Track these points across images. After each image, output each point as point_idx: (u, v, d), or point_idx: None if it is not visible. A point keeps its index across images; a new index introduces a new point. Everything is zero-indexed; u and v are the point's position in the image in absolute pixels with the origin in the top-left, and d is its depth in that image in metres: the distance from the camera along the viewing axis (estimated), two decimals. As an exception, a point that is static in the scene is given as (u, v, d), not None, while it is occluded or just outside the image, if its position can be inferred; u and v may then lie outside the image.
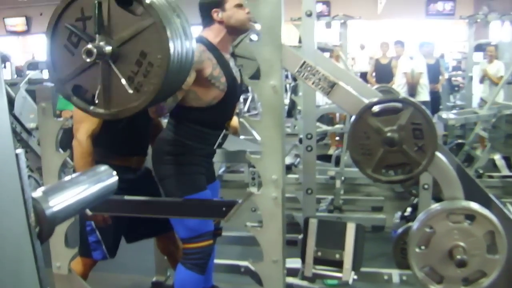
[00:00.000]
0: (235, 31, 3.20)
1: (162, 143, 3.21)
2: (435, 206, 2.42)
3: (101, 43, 2.06)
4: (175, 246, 3.89)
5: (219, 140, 3.27)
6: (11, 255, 0.76)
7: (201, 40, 3.08)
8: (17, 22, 23.47)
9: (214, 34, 3.17)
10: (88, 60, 2.05)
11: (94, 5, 2.07)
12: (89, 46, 2.04)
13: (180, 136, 3.15)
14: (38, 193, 0.89)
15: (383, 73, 10.73)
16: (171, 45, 2.04)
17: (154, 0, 2.06)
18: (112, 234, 3.45)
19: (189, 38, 2.23)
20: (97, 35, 2.07)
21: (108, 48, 2.06)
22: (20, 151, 0.79)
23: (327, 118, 8.92)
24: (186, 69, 2.30)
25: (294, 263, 3.66)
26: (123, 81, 2.07)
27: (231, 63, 3.28)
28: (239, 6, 3.13)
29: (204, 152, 3.24)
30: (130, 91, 2.08)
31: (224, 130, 3.27)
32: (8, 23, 23.39)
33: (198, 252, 3.16)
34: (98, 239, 3.40)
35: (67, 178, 1.00)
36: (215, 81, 3.06)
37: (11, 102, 6.06)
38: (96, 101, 2.16)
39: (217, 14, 3.15)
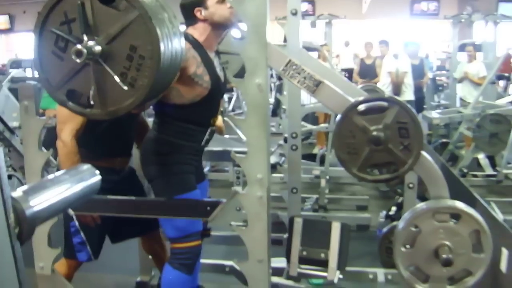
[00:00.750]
0: (220, 26, 3.18)
1: (149, 143, 3.18)
2: (421, 205, 2.42)
3: (90, 43, 2.03)
4: (160, 246, 3.87)
5: (206, 136, 3.24)
6: (-11, 257, 0.74)
7: (186, 37, 3.06)
8: (0, 20, 23.28)
9: (199, 32, 3.15)
10: (78, 60, 2.02)
11: (77, 6, 2.05)
12: (78, 46, 2.01)
13: (166, 134, 3.12)
14: (18, 192, 0.86)
15: (368, 72, 10.77)
16: (159, 34, 2.02)
17: None
18: (97, 234, 3.43)
19: (176, 29, 2.21)
20: (84, 36, 2.04)
21: (98, 48, 2.03)
22: (-2, 148, 0.77)
23: (312, 117, 8.92)
24: (177, 61, 2.27)
25: (279, 262, 3.65)
26: (116, 78, 2.04)
27: (216, 61, 3.26)
28: (221, 1, 3.11)
29: (192, 149, 3.21)
30: (125, 88, 2.05)
31: (210, 127, 3.25)
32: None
33: (187, 252, 3.14)
34: (82, 240, 3.37)
35: (49, 177, 0.98)
36: (198, 80, 3.03)
37: (-7, 100, 6.00)
38: (92, 103, 2.13)
39: (200, 13, 3.13)
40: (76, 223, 3.32)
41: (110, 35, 2.04)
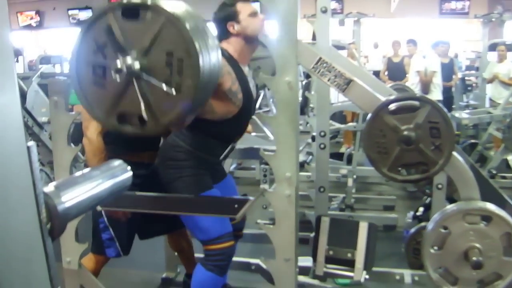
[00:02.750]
0: (253, 40, 3.18)
1: (168, 148, 3.17)
2: (451, 206, 2.39)
3: (128, 61, 2.01)
4: (186, 243, 3.87)
5: (226, 151, 3.24)
6: (21, 253, 0.74)
7: (222, 53, 3.06)
8: (30, 17, 23.51)
9: (233, 47, 3.16)
10: (119, 79, 2.00)
11: (105, 31, 2.04)
12: (117, 64, 1.99)
13: (188, 144, 3.10)
14: (50, 188, 0.85)
15: (395, 71, 10.68)
16: (190, 31, 2.00)
17: (158, 1, 2.03)
18: (126, 231, 3.43)
19: (209, 37, 2.18)
20: (119, 56, 2.02)
21: (136, 64, 2.01)
22: (31, 143, 0.76)
23: (340, 116, 8.88)
24: (216, 65, 2.25)
25: (305, 261, 3.64)
26: (163, 86, 2.02)
27: (249, 77, 3.26)
28: (253, 14, 3.11)
29: (209, 161, 3.20)
30: (174, 93, 2.03)
31: (232, 143, 3.25)
32: (21, 17, 23.44)
33: (220, 254, 3.11)
34: (111, 236, 3.37)
35: (80, 172, 0.97)
36: (232, 96, 3.02)
37: (23, 96, 6.07)
38: (145, 118, 2.10)
39: (232, 27, 3.14)
40: (105, 219, 3.33)
41: (144, 48, 2.02)
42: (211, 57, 2.11)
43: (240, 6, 3.16)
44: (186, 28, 1.99)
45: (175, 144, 3.14)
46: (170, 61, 2.02)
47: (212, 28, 3.09)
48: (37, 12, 23.29)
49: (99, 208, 3.12)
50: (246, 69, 3.23)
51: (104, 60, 2.07)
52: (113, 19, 2.03)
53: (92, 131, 3.09)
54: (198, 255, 4.00)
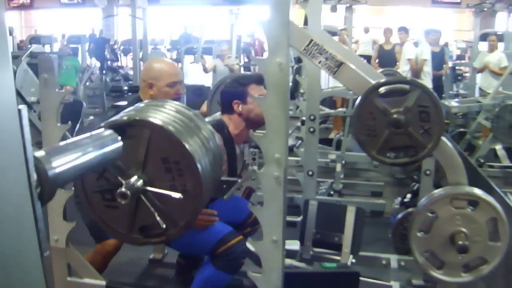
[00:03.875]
0: (254, 125, 3.19)
1: None
2: (439, 190, 2.41)
3: (132, 180, 1.99)
4: None
5: None
6: (10, 215, 0.73)
7: (222, 129, 3.06)
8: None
9: (234, 125, 3.19)
10: (123, 202, 1.99)
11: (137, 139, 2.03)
12: (122, 189, 1.97)
13: None
14: (41, 153, 0.85)
15: (386, 59, 10.69)
16: (175, 133, 1.98)
17: (140, 115, 2.02)
18: None
19: (208, 133, 2.17)
20: (120, 179, 2.01)
21: (139, 181, 1.99)
22: (22, 106, 0.76)
23: (330, 102, 8.88)
24: (218, 158, 2.24)
25: (292, 244, 3.66)
26: (171, 193, 2.01)
27: (239, 155, 3.29)
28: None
29: None
30: (178, 196, 2.02)
31: None
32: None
33: (230, 253, 3.08)
34: None
35: (71, 140, 0.97)
36: None
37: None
38: (164, 226, 2.10)
39: (237, 106, 3.16)
40: None
41: (141, 162, 2.01)
42: (208, 150, 2.11)
43: (251, 88, 3.18)
44: (170, 132, 1.97)
45: None
46: (168, 166, 2.01)
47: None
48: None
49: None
50: (238, 150, 3.26)
51: (108, 184, 2.06)
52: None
53: None
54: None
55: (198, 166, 1.98)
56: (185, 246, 3.21)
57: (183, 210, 2.06)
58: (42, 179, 0.82)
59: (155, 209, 2.01)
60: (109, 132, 1.08)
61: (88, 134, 1.04)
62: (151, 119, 1.97)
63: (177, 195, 1.97)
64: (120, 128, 2.00)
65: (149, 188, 1.98)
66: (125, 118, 1.97)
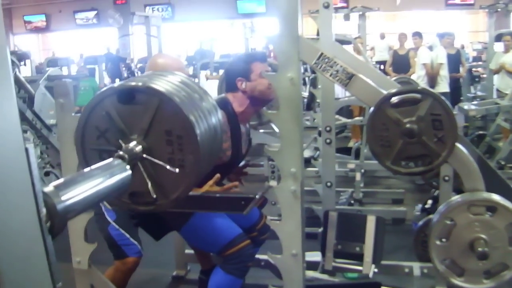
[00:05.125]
0: (258, 102, 3.21)
1: None
2: (456, 198, 2.40)
3: (131, 145, 2.03)
4: None
5: None
6: (21, 251, 0.76)
7: (226, 106, 3.08)
8: (36, 20, 23.60)
9: (238, 102, 3.20)
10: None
11: (105, 117, 2.06)
12: (120, 153, 2.01)
13: None
14: (49, 187, 0.88)
15: (401, 63, 10.69)
16: (184, 108, 2.01)
17: (151, 83, 2.05)
18: (135, 229, 3.47)
19: (207, 102, 2.20)
20: (121, 142, 2.04)
21: (138, 147, 2.03)
22: (29, 145, 0.79)
23: (347, 111, 8.88)
24: (218, 134, 2.27)
25: (314, 256, 3.66)
26: (169, 167, 2.04)
27: (244, 134, 3.29)
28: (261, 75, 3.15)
29: None
30: (176, 170, 2.05)
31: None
32: (27, 20, 23.54)
33: (238, 256, 3.11)
34: (126, 237, 3.41)
35: (79, 172, 0.99)
36: (221, 153, 3.05)
37: (30, 98, 6.11)
38: (155, 197, 2.13)
39: (241, 83, 3.17)
40: (114, 224, 3.37)
41: (144, 130, 2.04)
42: (210, 128, 2.14)
43: (255, 65, 3.20)
44: (180, 107, 2.00)
45: None
46: (170, 139, 2.04)
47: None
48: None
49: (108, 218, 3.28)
50: (243, 129, 3.26)
51: (108, 145, 2.09)
52: (110, 105, 2.05)
53: None
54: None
55: (200, 146, 2.01)
56: (197, 240, 3.25)
57: (177, 184, 2.09)
58: (52, 213, 0.84)
59: (149, 178, 2.04)
60: (117, 162, 1.10)
61: (97, 165, 1.06)
62: (162, 90, 2.00)
63: (174, 169, 2.00)
64: (130, 92, 2.03)
65: (147, 157, 2.01)
66: (139, 84, 2.00)
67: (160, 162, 2.02)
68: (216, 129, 2.19)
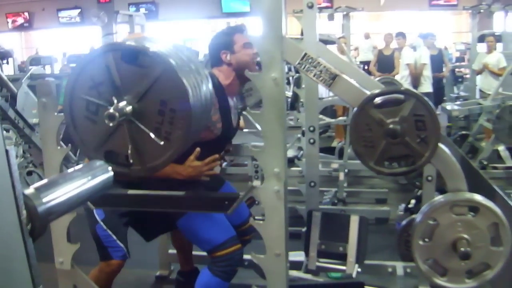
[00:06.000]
0: (243, 74, 3.21)
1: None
2: (439, 198, 2.41)
3: (121, 104, 2.02)
4: (188, 241, 3.87)
5: None
6: (2, 254, 0.75)
7: (212, 79, 3.08)
8: (19, 18, 23.44)
9: (224, 75, 3.19)
10: (111, 124, 2.01)
11: (103, 70, 2.05)
12: (110, 110, 2.00)
13: None
14: (29, 189, 0.87)
15: (385, 64, 10.73)
16: (187, 86, 2.01)
17: (158, 48, 2.04)
18: (123, 231, 3.44)
19: (203, 78, 2.21)
20: (114, 98, 2.04)
21: (129, 108, 2.02)
22: (10, 147, 0.78)
23: (331, 110, 8.90)
24: (208, 107, 2.27)
25: (297, 256, 3.66)
26: (152, 135, 2.04)
27: (233, 107, 3.28)
28: (247, 45, 3.15)
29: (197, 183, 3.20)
30: (161, 143, 2.05)
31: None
32: (10, 18, 23.37)
33: (227, 259, 3.11)
34: (113, 239, 3.38)
35: (61, 174, 0.99)
36: (211, 125, 3.04)
37: (13, 97, 6.06)
38: (131, 161, 2.12)
39: (225, 56, 3.17)
40: (102, 224, 3.34)
41: (140, 93, 2.03)
42: (202, 104, 2.14)
43: (237, 37, 3.20)
44: (183, 82, 2.00)
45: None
46: (163, 110, 2.04)
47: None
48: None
49: (97, 217, 3.31)
50: (231, 102, 3.25)
51: (98, 97, 2.08)
52: (112, 59, 2.04)
53: None
54: (196, 253, 4.03)
55: (192, 125, 2.01)
56: (191, 234, 3.23)
57: (157, 155, 2.10)
58: (32, 215, 0.83)
59: (131, 142, 2.03)
60: (99, 163, 1.09)
61: (79, 166, 1.05)
62: (171, 62, 1.99)
63: (160, 140, 2.00)
64: (134, 53, 2.02)
65: (135, 121, 2.01)
66: (145, 46, 2.00)
67: (147, 130, 2.02)
68: (208, 103, 2.19)
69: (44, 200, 0.87)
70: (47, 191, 0.89)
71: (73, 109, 2.15)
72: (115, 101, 2.01)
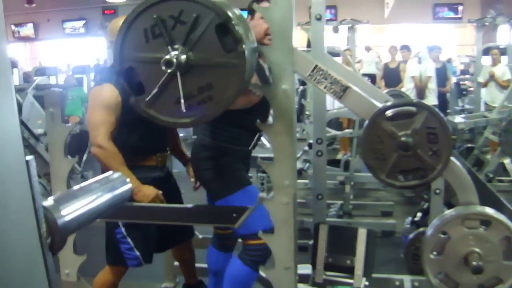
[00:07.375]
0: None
1: (200, 150, 3.27)
2: (450, 211, 2.39)
3: (174, 54, 2.03)
4: (190, 253, 3.85)
5: (254, 141, 3.33)
6: (21, 268, 0.73)
7: None
8: (24, 28, 23.50)
9: None
10: (169, 70, 2.04)
11: (193, 17, 2.06)
12: (168, 57, 2.02)
13: (218, 140, 3.21)
14: (49, 201, 0.85)
15: (392, 77, 10.70)
16: (239, 91, 2.04)
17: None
18: (144, 239, 3.39)
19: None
20: (180, 46, 2.05)
21: (183, 57, 2.04)
22: (30, 157, 0.76)
23: (336, 123, 8.89)
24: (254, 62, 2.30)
25: (304, 269, 3.63)
26: (181, 98, 2.04)
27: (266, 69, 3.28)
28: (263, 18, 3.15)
29: (241, 153, 3.28)
30: (183, 110, 2.05)
31: (258, 132, 3.27)
32: (15, 29, 23.44)
33: (258, 249, 3.09)
34: (131, 246, 3.32)
35: (79, 185, 0.96)
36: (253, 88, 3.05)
37: (18, 107, 6.04)
38: (147, 100, 2.14)
39: (248, 19, 3.16)
40: (123, 229, 3.29)
41: (200, 60, 2.13)
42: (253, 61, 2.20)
43: (263, 4, 3.19)
44: (240, 87, 2.07)
45: (205, 143, 3.22)
46: (204, 89, 2.10)
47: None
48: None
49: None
50: (263, 63, 3.26)
51: (151, 50, 2.10)
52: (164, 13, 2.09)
53: (102, 137, 3.01)
54: (199, 265, 4.00)
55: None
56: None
57: (173, 113, 2.18)
58: (52, 229, 0.81)
59: (159, 86, 2.11)
60: (117, 175, 1.07)
61: (97, 178, 1.03)
62: (247, 64, 2.02)
63: (183, 108, 2.06)
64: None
65: (178, 74, 2.08)
66: None
67: (181, 90, 2.04)
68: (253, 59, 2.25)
69: (63, 212, 0.85)
70: (66, 204, 0.87)
71: (140, 18, 2.18)
72: (179, 49, 2.04)
